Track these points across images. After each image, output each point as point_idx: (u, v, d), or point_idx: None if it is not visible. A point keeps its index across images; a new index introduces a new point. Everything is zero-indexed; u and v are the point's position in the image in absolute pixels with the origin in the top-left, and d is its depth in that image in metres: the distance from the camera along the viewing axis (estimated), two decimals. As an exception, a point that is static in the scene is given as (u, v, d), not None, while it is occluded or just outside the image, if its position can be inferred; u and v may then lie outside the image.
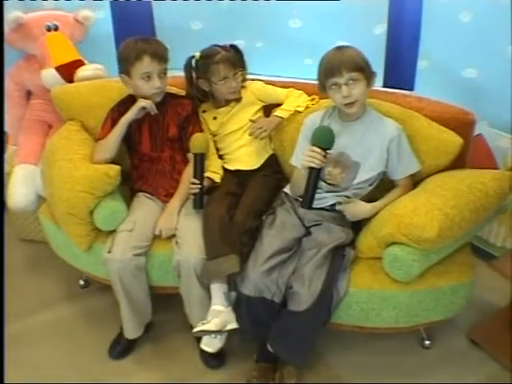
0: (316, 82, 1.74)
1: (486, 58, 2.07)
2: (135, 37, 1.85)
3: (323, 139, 1.62)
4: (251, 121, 1.95)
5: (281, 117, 1.94)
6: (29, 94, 2.37)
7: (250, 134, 1.93)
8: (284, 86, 2.03)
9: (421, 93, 2.32)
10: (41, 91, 2.27)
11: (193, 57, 1.94)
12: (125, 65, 1.83)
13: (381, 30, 2.33)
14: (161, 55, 1.81)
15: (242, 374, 1.76)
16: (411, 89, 2.36)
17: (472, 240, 1.87)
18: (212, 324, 1.63)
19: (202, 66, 1.90)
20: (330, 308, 1.61)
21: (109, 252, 1.71)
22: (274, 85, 2.03)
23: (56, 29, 2.23)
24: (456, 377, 1.77)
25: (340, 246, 1.67)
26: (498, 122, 2.10)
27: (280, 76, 2.43)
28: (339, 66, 1.63)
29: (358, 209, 1.71)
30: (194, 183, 1.79)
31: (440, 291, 1.64)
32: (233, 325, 1.66)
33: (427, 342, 1.88)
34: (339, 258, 1.65)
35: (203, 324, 1.64)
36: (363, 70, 1.63)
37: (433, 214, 1.51)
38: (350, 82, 1.63)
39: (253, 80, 2.02)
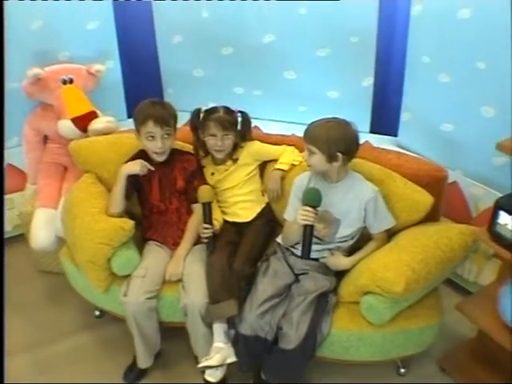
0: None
1: (461, 115, 2.43)
2: (148, 100, 2.24)
3: (313, 199, 2.00)
4: (262, 192, 2.40)
5: (282, 169, 2.33)
6: (45, 138, 2.75)
7: (270, 200, 2.37)
8: (280, 140, 2.43)
9: (404, 141, 2.73)
10: (57, 136, 2.64)
11: (199, 109, 2.31)
12: (135, 124, 2.23)
13: (368, 82, 2.70)
14: (164, 120, 2.17)
15: (241, 398, 2.17)
16: (395, 135, 2.75)
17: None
18: (214, 360, 2.03)
19: (202, 119, 2.28)
20: (315, 346, 1.99)
21: (124, 295, 2.09)
22: (270, 141, 2.41)
23: (71, 81, 2.60)
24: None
25: (324, 292, 2.07)
26: (471, 171, 2.48)
27: (276, 120, 2.84)
28: (304, 134, 2.04)
29: (339, 262, 2.11)
30: (206, 228, 2.18)
31: (409, 332, 2.03)
32: (232, 358, 2.05)
33: (402, 370, 2.28)
34: (323, 304, 2.04)
35: (206, 360, 2.03)
36: (321, 148, 1.98)
37: (401, 270, 1.89)
38: (309, 151, 2.02)
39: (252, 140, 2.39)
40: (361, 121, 2.74)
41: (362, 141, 2.11)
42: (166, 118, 2.20)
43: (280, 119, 2.90)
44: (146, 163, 2.24)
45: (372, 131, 2.80)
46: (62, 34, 2.69)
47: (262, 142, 2.42)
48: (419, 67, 2.51)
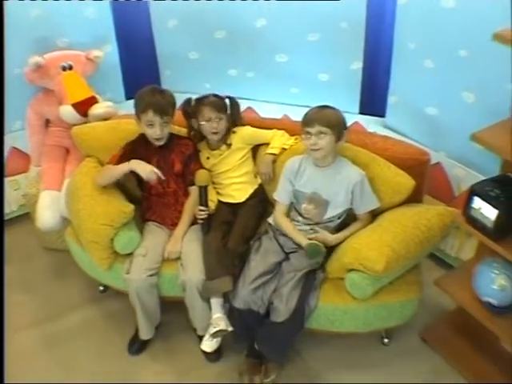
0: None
1: (444, 99, 2.57)
2: (149, 87, 2.39)
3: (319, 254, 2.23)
4: (254, 174, 2.57)
5: (273, 153, 2.50)
6: (47, 122, 2.90)
7: (263, 183, 2.55)
8: (273, 124, 2.58)
9: (391, 122, 2.89)
10: (58, 120, 2.79)
11: (190, 99, 2.47)
12: (136, 110, 2.39)
13: (357, 66, 2.84)
14: (163, 110, 2.32)
15: (235, 366, 2.36)
16: (383, 115, 2.92)
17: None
18: (222, 325, 2.20)
19: (194, 107, 2.45)
20: (303, 319, 2.19)
21: (127, 273, 2.29)
22: (264, 124, 2.56)
23: (70, 68, 2.74)
24: (407, 368, 2.39)
25: (312, 269, 2.26)
26: (453, 153, 2.64)
27: (269, 101, 2.99)
28: (314, 119, 2.19)
29: (325, 238, 2.27)
30: (202, 210, 2.37)
31: (391, 306, 2.24)
32: (231, 328, 2.25)
33: (386, 340, 2.49)
34: (311, 280, 2.24)
35: (215, 327, 2.20)
36: (333, 127, 2.17)
37: (382, 250, 2.07)
38: (320, 134, 2.18)
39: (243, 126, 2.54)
40: (350, 102, 2.91)
41: (351, 122, 2.31)
42: (166, 107, 2.35)
43: (273, 100, 3.04)
44: (157, 171, 2.32)
45: (361, 112, 2.96)
46: (61, 21, 2.81)
47: (255, 125, 2.56)
48: (405, 53, 2.64)
